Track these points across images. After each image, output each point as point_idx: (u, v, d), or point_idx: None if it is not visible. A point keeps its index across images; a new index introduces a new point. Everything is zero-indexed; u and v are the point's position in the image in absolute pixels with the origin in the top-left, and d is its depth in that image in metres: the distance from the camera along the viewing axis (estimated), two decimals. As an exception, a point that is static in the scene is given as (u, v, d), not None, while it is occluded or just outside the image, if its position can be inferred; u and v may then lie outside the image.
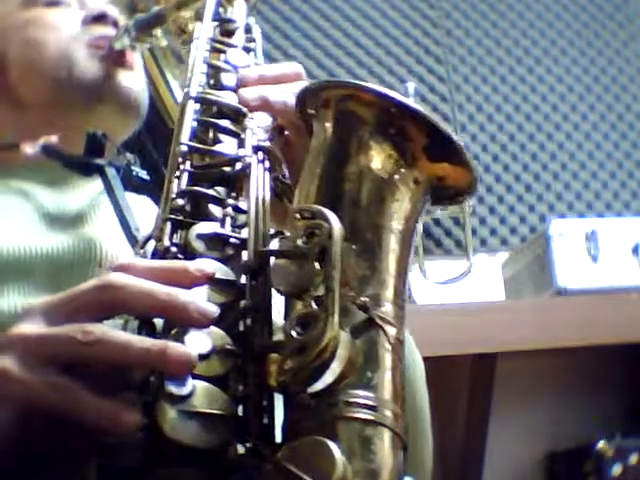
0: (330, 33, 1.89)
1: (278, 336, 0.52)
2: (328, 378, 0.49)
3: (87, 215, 0.82)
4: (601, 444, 1.61)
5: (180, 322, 0.51)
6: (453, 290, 1.70)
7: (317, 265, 0.51)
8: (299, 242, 0.52)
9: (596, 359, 1.72)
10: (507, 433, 1.71)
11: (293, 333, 0.49)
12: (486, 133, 1.94)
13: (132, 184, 0.84)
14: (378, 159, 0.59)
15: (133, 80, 0.91)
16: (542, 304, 1.56)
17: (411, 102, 0.59)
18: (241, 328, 0.54)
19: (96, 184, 0.83)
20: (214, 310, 0.51)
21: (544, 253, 1.62)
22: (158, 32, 0.90)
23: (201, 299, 0.52)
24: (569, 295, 1.58)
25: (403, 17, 1.95)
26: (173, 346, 0.49)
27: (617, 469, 1.59)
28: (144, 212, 0.81)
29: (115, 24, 0.92)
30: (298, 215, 0.54)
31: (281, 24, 1.87)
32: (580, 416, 1.77)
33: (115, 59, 0.90)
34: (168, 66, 1.37)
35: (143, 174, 0.85)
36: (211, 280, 0.53)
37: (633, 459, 1.59)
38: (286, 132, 0.72)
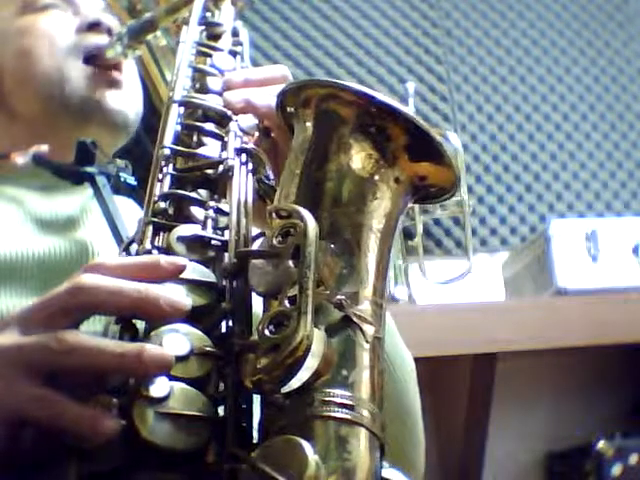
0: (330, 33, 1.89)
1: (254, 336, 0.52)
2: (303, 376, 0.49)
3: (79, 219, 0.82)
4: (601, 444, 1.60)
5: (152, 317, 0.51)
6: (453, 290, 1.69)
7: (292, 264, 0.52)
8: (274, 242, 0.53)
9: (596, 359, 1.71)
10: (507, 433, 1.71)
11: (266, 332, 0.50)
12: (486, 133, 1.93)
13: (121, 190, 0.85)
14: (358, 158, 0.58)
15: (122, 100, 0.91)
16: (542, 304, 1.55)
17: (391, 100, 0.58)
18: (221, 330, 0.54)
19: (86, 188, 0.84)
20: (187, 303, 0.51)
21: (544, 253, 1.61)
22: (151, 37, 0.91)
23: (173, 293, 0.52)
24: (569, 295, 1.56)
25: (403, 17, 1.95)
26: (149, 348, 0.49)
27: (617, 469, 1.58)
28: (132, 215, 0.81)
29: (109, 32, 0.92)
30: (274, 215, 0.54)
31: (281, 24, 1.86)
32: (580, 416, 1.77)
33: (105, 78, 0.90)
34: (168, 66, 1.38)
35: (131, 180, 0.85)
36: (182, 273, 0.53)
37: (633, 459, 1.58)
38: (272, 134, 0.72)
